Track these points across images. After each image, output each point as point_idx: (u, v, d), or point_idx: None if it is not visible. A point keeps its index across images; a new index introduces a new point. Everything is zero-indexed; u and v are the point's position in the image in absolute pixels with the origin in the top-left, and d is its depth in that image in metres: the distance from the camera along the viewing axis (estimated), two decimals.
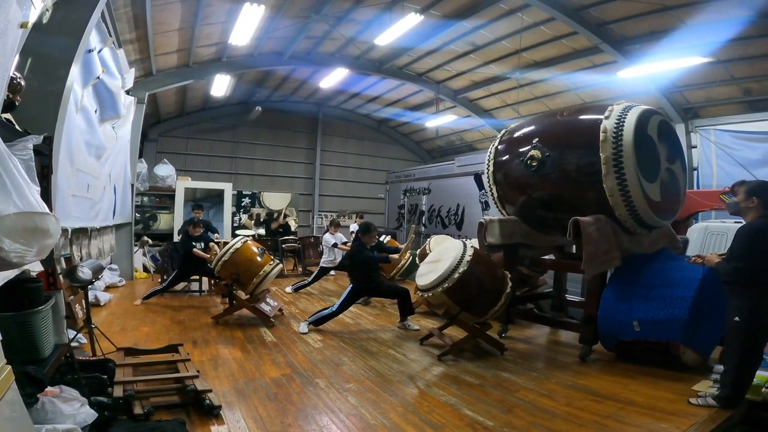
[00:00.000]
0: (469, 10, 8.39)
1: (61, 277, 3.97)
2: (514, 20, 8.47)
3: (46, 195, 2.23)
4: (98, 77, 5.44)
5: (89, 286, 6.16)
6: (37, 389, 1.71)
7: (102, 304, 6.20)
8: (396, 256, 5.65)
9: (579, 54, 9.05)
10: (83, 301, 4.07)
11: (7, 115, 1.90)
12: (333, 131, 15.76)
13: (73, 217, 5.21)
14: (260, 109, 12.81)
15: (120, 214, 8.04)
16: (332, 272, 8.29)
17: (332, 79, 10.92)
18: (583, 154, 4.19)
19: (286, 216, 11.03)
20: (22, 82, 1.94)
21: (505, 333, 5.10)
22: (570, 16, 7.86)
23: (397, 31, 7.86)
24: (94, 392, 2.69)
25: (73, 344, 4.04)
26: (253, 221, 13.60)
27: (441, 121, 13.21)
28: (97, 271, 4.00)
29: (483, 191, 8.71)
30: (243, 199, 14.20)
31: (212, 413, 2.87)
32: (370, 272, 5.36)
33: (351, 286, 5.36)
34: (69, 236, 5.14)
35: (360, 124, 16.24)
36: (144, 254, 9.72)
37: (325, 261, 7.78)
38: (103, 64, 5.53)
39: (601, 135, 3.96)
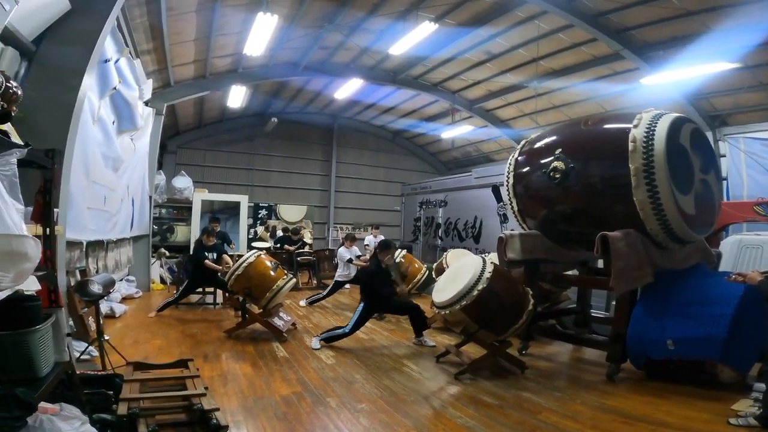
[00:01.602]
0: (484, 18, 8.28)
1: (73, 290, 3.96)
2: (530, 28, 8.34)
3: (48, 210, 2.17)
4: (115, 88, 5.47)
5: (104, 299, 6.19)
6: (25, 412, 1.61)
7: (117, 315, 6.19)
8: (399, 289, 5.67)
9: (599, 61, 8.84)
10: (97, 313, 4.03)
11: (5, 126, 1.83)
12: (348, 143, 15.76)
13: (88, 229, 5.22)
14: (276, 120, 12.87)
15: (138, 226, 8.09)
16: (347, 286, 8.17)
17: (347, 89, 10.92)
18: (610, 165, 4.02)
19: (302, 237, 11.03)
20: (18, 92, 1.86)
21: (525, 350, 4.90)
22: (589, 23, 7.68)
23: (411, 40, 7.81)
24: (99, 409, 2.60)
25: (85, 357, 4.01)
26: (269, 233, 13.61)
27: (457, 131, 13.06)
28: (109, 286, 3.95)
29: (501, 204, 8.50)
30: (260, 211, 14.27)
31: None
32: (380, 287, 5.24)
33: (362, 304, 5.24)
34: (84, 249, 5.15)
35: (375, 135, 16.20)
36: (161, 266, 9.78)
37: (339, 275, 7.66)
38: (119, 75, 5.57)
39: (630, 145, 3.79)
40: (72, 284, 4.37)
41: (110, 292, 4.69)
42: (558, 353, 5.17)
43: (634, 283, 3.96)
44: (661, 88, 8.25)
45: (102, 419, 2.40)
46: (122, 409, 2.53)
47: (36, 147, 2.11)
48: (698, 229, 4.09)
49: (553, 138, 4.69)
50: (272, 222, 14.22)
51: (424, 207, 11.67)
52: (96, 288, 3.59)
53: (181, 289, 6.88)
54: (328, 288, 7.81)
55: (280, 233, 12.11)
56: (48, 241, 2.17)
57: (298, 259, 9.94)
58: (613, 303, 5.88)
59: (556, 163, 4.30)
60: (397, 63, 10.46)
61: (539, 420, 3.21)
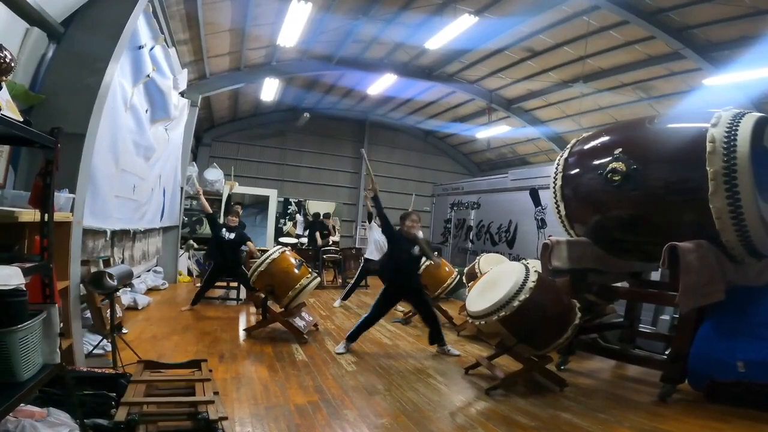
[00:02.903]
0: (527, 12, 7.81)
1: (86, 282, 3.82)
2: (578, 24, 7.82)
3: (48, 194, 1.96)
4: (148, 75, 5.37)
5: (127, 290, 6.12)
6: None
7: (140, 308, 6.07)
8: (438, 260, 5.42)
9: (654, 61, 8.20)
10: (116, 305, 3.88)
11: None
12: (379, 140, 15.49)
13: (114, 218, 5.10)
14: (308, 115, 12.76)
15: (168, 216, 8.06)
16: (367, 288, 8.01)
17: (380, 85, 10.62)
18: (681, 168, 3.60)
19: (334, 228, 10.90)
20: (12, 64, 1.66)
21: (564, 365, 4.50)
22: (646, 20, 7.13)
23: (448, 34, 7.48)
24: (97, 413, 2.40)
25: (99, 351, 3.88)
26: (300, 223, 13.50)
27: (492, 132, 12.53)
28: (126, 278, 3.79)
29: (540, 207, 8.02)
30: (289, 207, 14.22)
31: None
32: (404, 268, 4.91)
33: (383, 287, 4.98)
34: (108, 237, 5.05)
35: (407, 134, 15.87)
36: (189, 258, 9.79)
37: (369, 254, 7.54)
38: (154, 63, 5.45)
39: (709, 145, 3.35)
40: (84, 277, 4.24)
41: (127, 285, 4.55)
42: (599, 369, 4.74)
43: (704, 300, 3.53)
44: (722, 89, 7.57)
45: (97, 425, 2.19)
46: (121, 414, 2.31)
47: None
48: None
49: (612, 137, 4.25)
50: (300, 217, 14.10)
51: (455, 208, 11.27)
52: (112, 281, 3.43)
53: (204, 278, 6.77)
54: (357, 273, 7.73)
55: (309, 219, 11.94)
56: (45, 228, 1.96)
57: (324, 256, 9.77)
58: (662, 317, 5.40)
59: (615, 164, 3.87)
60: (433, 59, 10.10)
61: None
